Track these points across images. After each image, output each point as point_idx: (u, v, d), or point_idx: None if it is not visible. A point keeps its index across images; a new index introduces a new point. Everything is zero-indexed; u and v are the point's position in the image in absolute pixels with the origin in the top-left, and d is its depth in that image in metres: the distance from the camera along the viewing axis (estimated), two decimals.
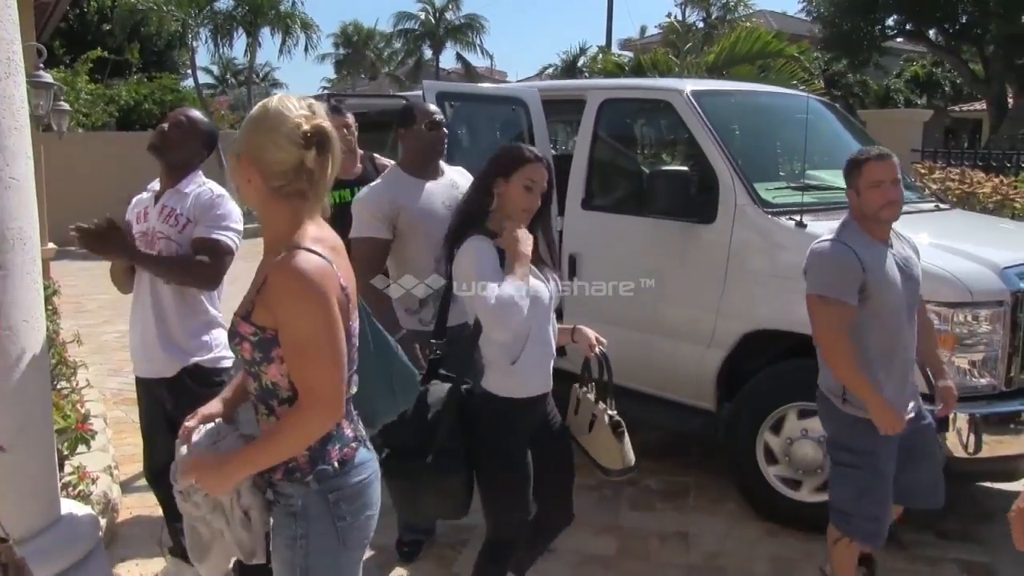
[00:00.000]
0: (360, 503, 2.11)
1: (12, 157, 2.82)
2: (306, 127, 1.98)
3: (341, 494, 2.08)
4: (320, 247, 1.99)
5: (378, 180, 3.87)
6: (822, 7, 21.70)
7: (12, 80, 2.83)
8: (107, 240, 3.22)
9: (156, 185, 3.52)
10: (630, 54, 23.32)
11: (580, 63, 33.82)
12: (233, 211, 3.37)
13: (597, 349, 3.15)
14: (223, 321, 3.40)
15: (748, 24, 17.34)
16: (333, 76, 41.95)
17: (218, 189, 3.41)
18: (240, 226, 3.36)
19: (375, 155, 4.73)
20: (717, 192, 4.58)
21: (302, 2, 22.39)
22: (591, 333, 3.17)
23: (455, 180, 3.89)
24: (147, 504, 4.48)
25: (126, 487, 4.74)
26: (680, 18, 20.47)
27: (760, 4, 25.47)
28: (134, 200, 3.58)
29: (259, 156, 1.99)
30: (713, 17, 21.44)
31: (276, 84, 40.82)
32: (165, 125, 3.44)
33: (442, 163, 3.95)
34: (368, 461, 2.16)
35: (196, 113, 3.54)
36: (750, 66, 12.51)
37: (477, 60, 38.31)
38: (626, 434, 3.16)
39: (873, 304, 3.15)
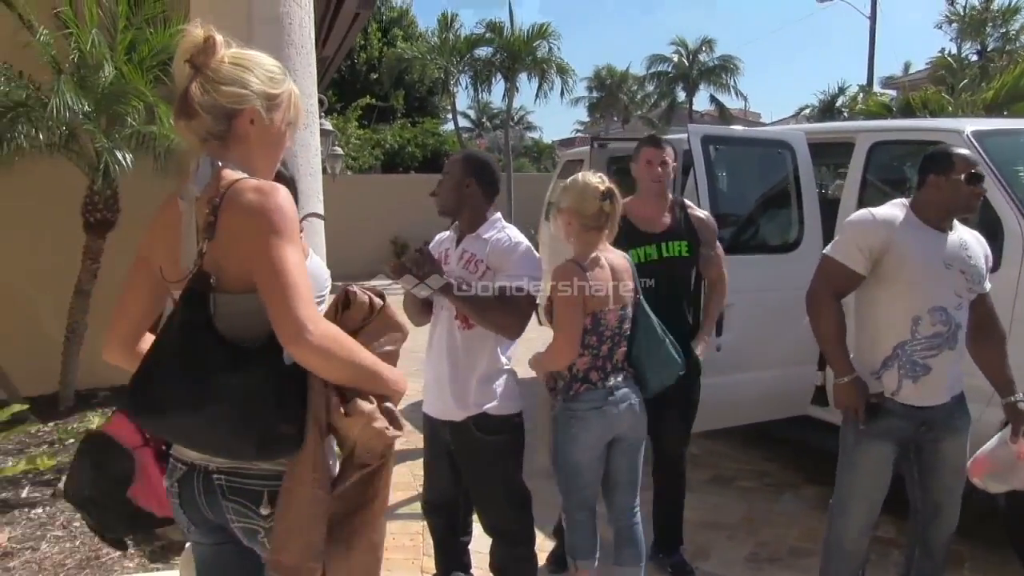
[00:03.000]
0: (578, 421, 3.37)
1: (306, 200, 3.04)
2: (602, 188, 3.35)
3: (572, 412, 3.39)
4: (588, 263, 3.36)
5: (882, 209, 3.40)
6: None
7: (309, 130, 3.06)
8: (431, 273, 3.26)
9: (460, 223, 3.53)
10: (893, 92, 22.16)
11: (839, 103, 32.39)
12: (532, 259, 3.32)
13: None
14: (513, 368, 3.42)
15: None
16: (586, 119, 42.62)
17: (516, 236, 3.38)
18: (540, 273, 3.29)
19: (687, 202, 4.32)
20: (1002, 239, 4.25)
21: (558, 48, 22.82)
22: None
23: (965, 239, 3.39)
24: (409, 531, 4.68)
25: (390, 513, 4.88)
26: (954, 51, 19.10)
27: None
28: (436, 238, 3.58)
29: (577, 208, 3.37)
30: (990, 49, 19.87)
31: (530, 127, 41.90)
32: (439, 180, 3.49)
33: None
34: (592, 400, 3.38)
35: (460, 154, 3.55)
36: None
37: (731, 102, 37.57)
38: None
39: None
